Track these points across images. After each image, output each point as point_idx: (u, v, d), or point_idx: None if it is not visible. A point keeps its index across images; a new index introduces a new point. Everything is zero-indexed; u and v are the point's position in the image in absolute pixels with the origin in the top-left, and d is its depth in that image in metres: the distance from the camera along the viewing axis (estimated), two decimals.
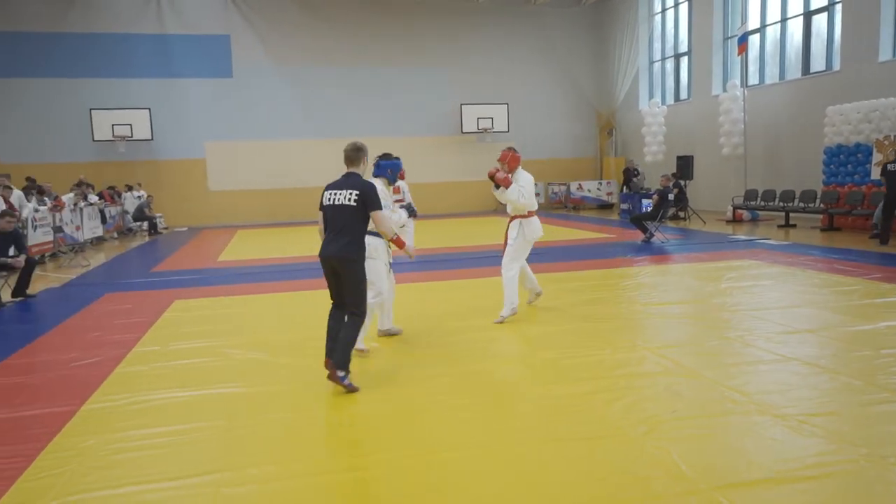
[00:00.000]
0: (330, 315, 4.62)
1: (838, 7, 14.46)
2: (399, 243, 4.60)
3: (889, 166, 10.95)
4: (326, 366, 4.41)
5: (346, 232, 4.41)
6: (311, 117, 22.00)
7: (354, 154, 4.65)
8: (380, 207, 4.50)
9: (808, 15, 15.58)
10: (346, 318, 4.51)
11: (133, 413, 4.22)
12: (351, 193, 4.43)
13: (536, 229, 6.37)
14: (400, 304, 6.25)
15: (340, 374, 4.38)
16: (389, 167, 5.58)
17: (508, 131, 23.02)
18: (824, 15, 15.12)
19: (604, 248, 11.77)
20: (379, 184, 5.22)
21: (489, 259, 9.96)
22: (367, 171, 4.82)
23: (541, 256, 10.76)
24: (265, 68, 21.61)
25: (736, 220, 15.62)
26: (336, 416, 4.13)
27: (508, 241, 6.35)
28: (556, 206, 23.11)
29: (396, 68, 22.54)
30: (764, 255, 10.03)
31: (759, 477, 3.05)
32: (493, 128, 22.78)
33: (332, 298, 4.64)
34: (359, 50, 22.22)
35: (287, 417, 4.07)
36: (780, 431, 3.56)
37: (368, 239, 4.69)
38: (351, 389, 4.40)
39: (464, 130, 22.78)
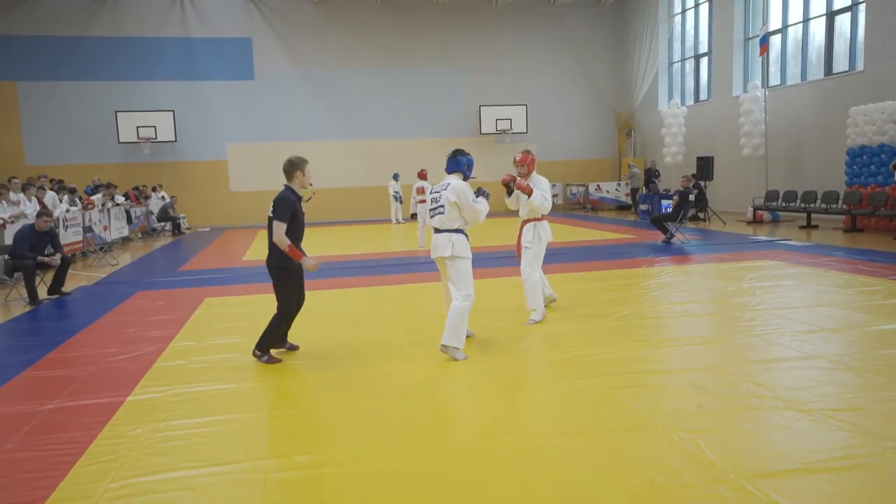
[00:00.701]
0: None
1: (861, 7, 14.40)
2: (294, 254, 5.03)
3: None
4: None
5: (269, 238, 5.12)
6: (331, 119, 22.27)
7: (287, 167, 5.29)
8: (279, 218, 5.01)
9: (830, 15, 15.52)
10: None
11: (176, 404, 4.40)
12: (271, 205, 5.11)
13: (549, 231, 6.47)
14: (425, 303, 6.39)
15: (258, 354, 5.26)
16: (466, 163, 5.35)
17: (527, 132, 23.12)
18: (847, 15, 15.06)
19: (624, 249, 11.83)
20: (454, 179, 5.20)
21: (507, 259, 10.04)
22: (300, 182, 5.31)
23: (561, 256, 10.88)
24: (286, 70, 21.91)
25: (756, 220, 15.59)
26: (370, 408, 4.27)
27: (524, 245, 6.36)
28: (575, 206, 23.16)
29: (416, 69, 22.73)
30: (786, 256, 10.05)
31: (786, 467, 3.15)
32: (511, 129, 22.89)
33: None
34: (378, 51, 22.45)
35: (323, 409, 4.23)
36: (807, 425, 3.65)
37: (461, 238, 5.15)
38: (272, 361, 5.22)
39: (482, 131, 22.91)
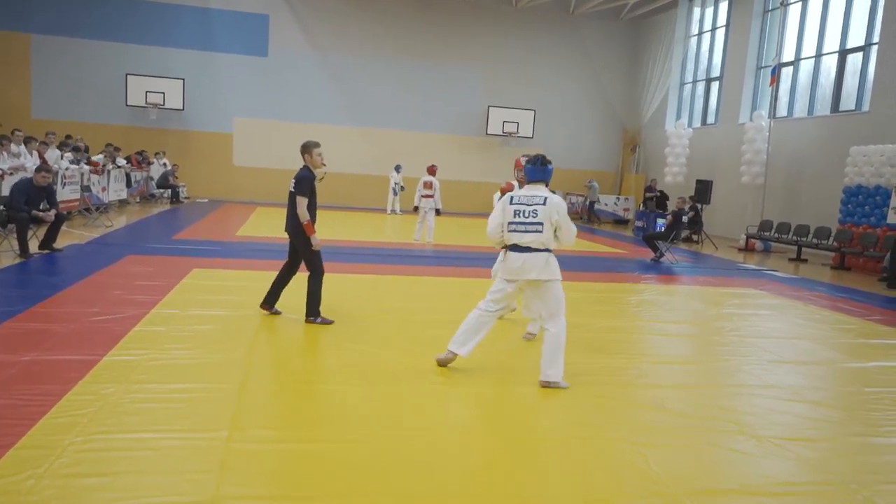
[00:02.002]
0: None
1: (874, 48, 14.52)
2: (308, 229, 5.66)
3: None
4: None
5: (290, 210, 5.82)
6: (341, 104, 22.33)
7: (301, 149, 5.92)
8: (301, 194, 5.65)
9: (843, 53, 15.64)
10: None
11: (151, 368, 4.50)
12: (292, 181, 5.80)
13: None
14: (420, 296, 6.48)
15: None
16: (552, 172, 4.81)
17: (533, 137, 23.21)
18: (859, 55, 15.19)
19: (614, 263, 11.96)
20: (544, 190, 4.65)
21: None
22: (310, 163, 5.83)
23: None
24: (300, 51, 21.95)
25: (748, 248, 15.73)
26: (341, 390, 4.38)
27: None
28: (573, 217, 23.22)
29: (429, 63, 22.80)
30: (770, 286, 10.19)
31: (724, 487, 3.28)
32: (517, 132, 22.98)
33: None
34: (394, 42, 22.51)
35: (294, 386, 4.34)
36: (754, 450, 3.77)
37: (554, 258, 4.68)
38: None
39: (489, 132, 23.00)
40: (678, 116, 22.09)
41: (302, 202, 5.65)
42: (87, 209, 12.88)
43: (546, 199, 4.55)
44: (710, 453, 3.74)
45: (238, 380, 4.39)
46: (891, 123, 13.53)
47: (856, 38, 15.32)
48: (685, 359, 5.84)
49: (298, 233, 5.77)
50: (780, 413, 4.47)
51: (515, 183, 6.09)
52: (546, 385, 4.58)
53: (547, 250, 4.59)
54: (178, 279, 7.55)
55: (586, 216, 22.17)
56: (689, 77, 22.17)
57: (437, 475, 3.23)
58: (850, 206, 13.63)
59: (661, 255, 12.36)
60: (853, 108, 15.20)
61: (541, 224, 4.53)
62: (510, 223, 4.61)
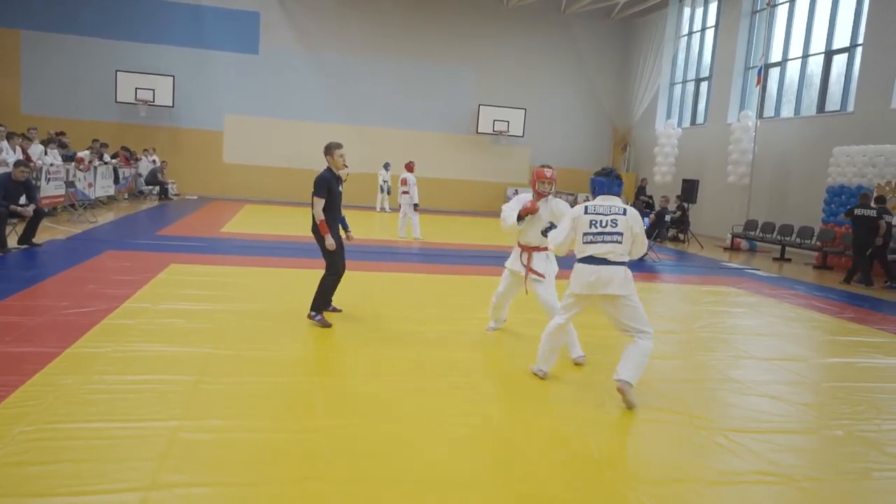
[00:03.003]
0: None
1: (859, 50, 14.59)
2: (322, 228, 5.68)
3: (857, 210, 11.28)
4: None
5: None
6: (331, 102, 22.34)
7: (324, 150, 5.97)
8: (316, 194, 5.69)
9: (829, 54, 15.71)
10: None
11: (113, 361, 4.54)
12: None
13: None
14: (394, 292, 6.52)
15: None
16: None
17: (523, 136, 23.27)
18: (844, 56, 15.25)
19: None
20: (619, 202, 4.47)
21: (487, 259, 10.21)
22: (332, 164, 5.87)
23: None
24: (291, 49, 21.95)
25: (734, 248, 15.79)
26: (301, 382, 4.42)
27: (543, 276, 5.46)
28: None
29: (419, 61, 22.82)
30: (749, 285, 10.24)
31: (668, 477, 3.32)
32: (508, 131, 23.02)
33: None
34: (383, 40, 22.52)
35: (254, 380, 4.38)
36: (704, 441, 3.82)
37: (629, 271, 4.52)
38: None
39: (479, 131, 23.03)
40: (668, 116, 22.15)
41: (318, 202, 5.66)
42: (72, 205, 12.89)
43: (625, 209, 4.39)
44: (660, 443, 3.78)
45: (198, 371, 4.43)
46: (874, 124, 13.60)
47: (841, 39, 15.39)
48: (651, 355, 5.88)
49: (315, 232, 5.82)
50: (734, 407, 4.53)
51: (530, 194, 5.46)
52: (623, 389, 4.26)
53: (623, 263, 4.38)
54: (154, 274, 7.58)
55: None
56: (678, 77, 22.22)
57: (389, 464, 3.27)
58: (832, 205, 13.70)
59: (645, 253, 12.40)
60: (838, 108, 15.27)
61: (620, 234, 4.33)
62: (585, 233, 4.36)
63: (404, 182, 13.39)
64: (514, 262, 5.64)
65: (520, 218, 5.30)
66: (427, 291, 8.09)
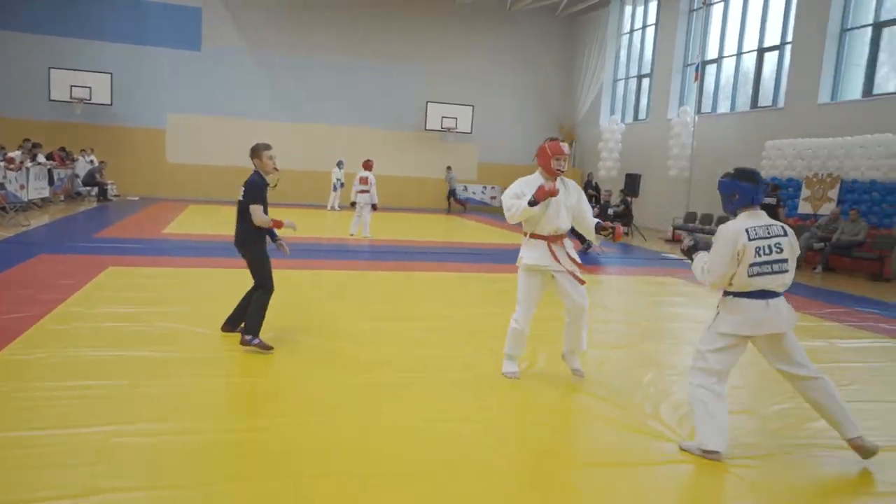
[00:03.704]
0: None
1: (788, 47, 15.22)
2: (277, 224, 5.09)
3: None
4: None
5: (238, 220, 5.18)
6: (277, 100, 22.03)
7: (250, 152, 5.30)
8: (255, 202, 4.94)
9: (761, 52, 16.35)
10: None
11: (44, 367, 4.41)
12: (242, 188, 5.13)
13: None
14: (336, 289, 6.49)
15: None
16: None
17: (471, 133, 23.42)
18: (775, 53, 15.90)
19: None
20: (767, 218, 3.65)
21: (440, 255, 10.26)
22: (261, 168, 5.18)
23: (481, 257, 11.20)
24: (235, 46, 21.55)
25: (675, 240, 16.28)
26: (240, 383, 4.39)
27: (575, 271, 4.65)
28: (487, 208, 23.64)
29: (367, 59, 22.71)
30: (689, 275, 10.58)
31: (607, 461, 3.45)
32: (456, 128, 23.14)
33: None
34: (332, 38, 22.33)
35: (188, 382, 4.32)
36: (640, 426, 3.97)
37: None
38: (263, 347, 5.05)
39: (427, 128, 23.08)
40: (612, 112, 22.66)
41: (256, 210, 5.01)
42: (3, 208, 12.38)
43: (785, 229, 3.59)
44: (598, 431, 3.92)
45: (134, 375, 4.35)
46: (802, 119, 14.23)
47: (772, 37, 16.04)
48: (597, 346, 6.04)
49: (248, 245, 5.15)
50: (672, 393, 4.70)
51: (542, 179, 4.56)
52: (865, 450, 3.58)
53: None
54: (91, 277, 7.37)
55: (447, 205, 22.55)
56: (621, 74, 22.75)
57: (323, 461, 3.29)
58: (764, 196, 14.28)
59: (589, 245, 12.69)
60: (771, 104, 15.91)
61: (787, 262, 3.54)
62: (752, 264, 3.47)
63: (365, 181, 13.28)
64: (542, 258, 4.51)
65: (533, 203, 4.36)
66: (377, 289, 8.10)
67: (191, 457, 3.25)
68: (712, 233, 14.67)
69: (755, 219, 3.57)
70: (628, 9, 22.07)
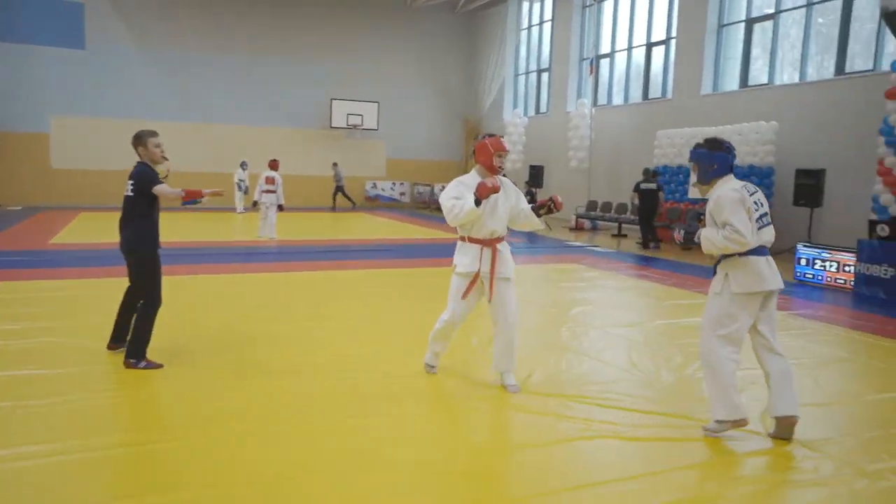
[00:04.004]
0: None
1: (673, 42, 16.12)
2: (193, 194, 4.65)
3: (641, 185, 13.23)
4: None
5: (125, 221, 4.66)
6: (173, 99, 21.10)
7: (132, 142, 4.74)
8: (152, 185, 4.50)
9: (649, 46, 17.21)
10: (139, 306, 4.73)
11: None
12: (129, 182, 4.62)
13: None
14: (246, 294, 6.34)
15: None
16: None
17: (378, 129, 23.36)
18: (662, 47, 16.79)
19: (451, 248, 12.37)
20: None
21: (348, 253, 10.18)
22: (147, 157, 4.69)
23: (392, 253, 11.22)
24: (123, 43, 20.45)
25: (578, 228, 16.94)
26: (126, 397, 4.22)
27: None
28: (421, 206, 23.74)
29: (268, 56, 22.14)
30: (590, 261, 11.07)
31: (511, 444, 3.57)
32: (362, 125, 23.00)
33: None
34: (229, 34, 21.63)
35: (76, 399, 4.09)
36: (543, 409, 4.13)
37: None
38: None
39: (333, 125, 22.81)
40: (514, 106, 23.20)
41: (162, 188, 4.52)
42: None
43: (753, 185, 3.75)
44: (500, 417, 4.05)
45: (19, 395, 4.08)
46: (688, 109, 15.13)
47: (659, 32, 16.92)
48: (465, 330, 6.21)
49: (138, 251, 4.65)
50: (573, 374, 4.91)
51: (479, 176, 4.33)
52: (787, 429, 3.70)
53: None
54: None
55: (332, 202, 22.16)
56: (522, 68, 23.32)
57: (219, 472, 3.24)
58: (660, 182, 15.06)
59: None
60: (660, 95, 16.79)
61: (768, 214, 3.74)
62: (758, 219, 3.63)
63: (271, 181, 12.98)
64: (474, 263, 4.34)
65: (478, 202, 4.13)
66: (284, 291, 7.95)
67: (79, 477, 3.11)
68: (614, 220, 15.22)
69: (735, 182, 3.71)
70: (526, 4, 22.64)
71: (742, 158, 12.99)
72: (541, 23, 22.03)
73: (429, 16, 24.20)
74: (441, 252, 11.77)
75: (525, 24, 22.89)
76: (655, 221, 13.52)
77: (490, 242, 4.33)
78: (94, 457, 3.30)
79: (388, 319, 6.50)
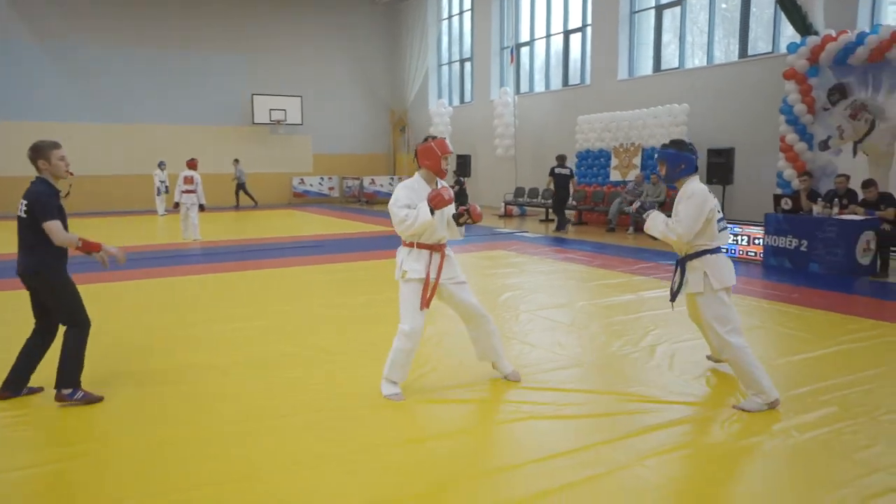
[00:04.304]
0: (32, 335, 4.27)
1: (589, 29, 16.53)
2: (90, 247, 4.06)
3: (556, 169, 13.59)
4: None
5: (21, 242, 4.09)
6: (82, 100, 20.04)
7: (30, 155, 4.08)
8: (47, 217, 3.91)
9: (566, 33, 17.59)
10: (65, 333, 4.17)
11: None
12: (22, 202, 4.03)
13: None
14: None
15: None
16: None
17: (302, 124, 22.96)
18: (579, 34, 17.19)
19: (384, 241, 12.35)
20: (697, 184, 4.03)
21: (277, 251, 9.98)
22: (49, 172, 4.06)
23: (322, 249, 11.08)
24: (20, 38, 19.22)
25: (507, 214, 17.21)
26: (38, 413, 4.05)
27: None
28: (350, 200, 23.53)
29: (184, 52, 21.35)
30: (519, 247, 11.29)
31: (427, 434, 3.63)
32: (286, 120, 22.54)
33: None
34: (142, 30, 20.71)
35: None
36: (477, 397, 4.21)
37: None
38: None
39: (255, 121, 22.25)
40: (439, 96, 23.25)
41: (55, 228, 3.94)
42: None
43: None
44: (432, 405, 4.10)
45: None
46: (606, 94, 15.58)
47: (575, 20, 17.31)
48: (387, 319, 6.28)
49: (41, 274, 4.06)
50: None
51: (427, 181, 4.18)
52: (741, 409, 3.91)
53: None
54: None
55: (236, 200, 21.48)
56: (445, 58, 23.39)
57: (144, 481, 3.16)
58: (582, 168, 15.51)
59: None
60: (579, 81, 17.21)
61: (724, 219, 4.09)
62: (718, 220, 3.97)
63: (190, 180, 12.60)
64: (426, 269, 4.12)
65: (432, 212, 3.91)
66: (211, 292, 7.74)
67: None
68: (541, 205, 15.52)
69: (700, 183, 4.03)
70: None
71: (658, 140, 13.53)
72: (461, 12, 22.13)
73: (349, 7, 23.91)
74: (373, 245, 11.73)
75: (445, 14, 22.93)
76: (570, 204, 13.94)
77: (439, 248, 4.19)
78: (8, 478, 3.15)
79: (322, 315, 6.45)
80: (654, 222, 4.06)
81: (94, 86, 20.22)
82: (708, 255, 3.96)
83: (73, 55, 19.89)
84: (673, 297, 4.26)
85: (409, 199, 4.03)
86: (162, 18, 21.02)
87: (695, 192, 3.92)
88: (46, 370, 4.21)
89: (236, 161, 21.19)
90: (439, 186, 4.16)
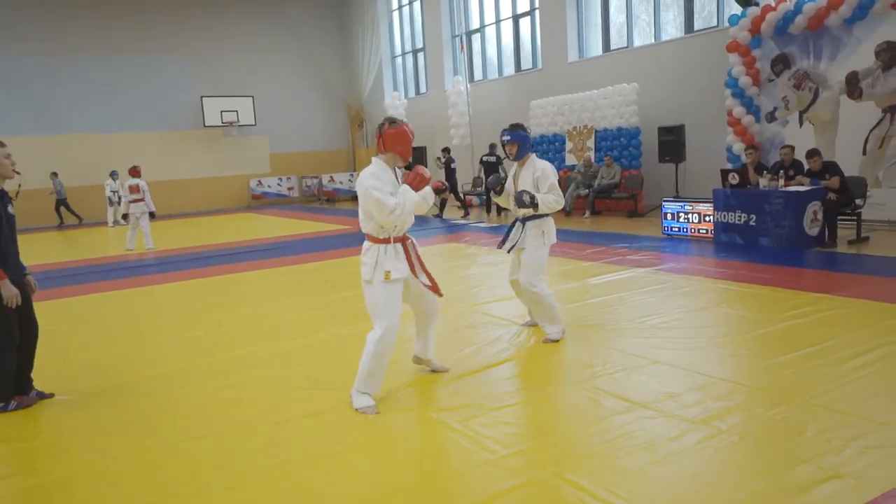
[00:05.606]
0: None
1: (537, 13, 16.35)
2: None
3: (484, 157, 13.59)
4: None
5: None
6: (19, 111, 19.35)
7: None
8: None
9: (515, 18, 17.39)
10: None
11: None
12: None
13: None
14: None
15: None
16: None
17: (256, 124, 22.50)
18: (528, 19, 17.01)
19: (343, 240, 12.07)
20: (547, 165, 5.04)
21: (234, 256, 9.68)
22: None
23: (280, 251, 10.82)
24: None
25: (466, 205, 16.98)
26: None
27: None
28: (311, 199, 23.17)
29: (129, 58, 20.74)
30: (473, 238, 11.11)
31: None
32: (238, 121, 22.05)
33: None
34: (78, 36, 20.03)
35: None
36: (434, 393, 4.02)
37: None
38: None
39: (207, 124, 21.73)
40: (394, 88, 22.94)
41: None
42: None
43: None
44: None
45: None
46: (558, 78, 15.44)
47: (523, 4, 17.11)
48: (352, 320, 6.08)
49: None
50: (458, 353, 4.83)
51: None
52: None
53: None
54: None
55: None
56: (398, 50, 23.06)
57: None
58: (538, 153, 15.31)
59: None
60: (531, 66, 17.05)
61: None
62: None
63: (135, 189, 12.31)
64: (406, 267, 3.97)
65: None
66: (168, 302, 7.43)
67: None
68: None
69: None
70: None
71: (610, 121, 13.44)
72: (410, 3, 21.80)
73: (296, 4, 23.40)
74: (335, 244, 11.46)
75: (395, 5, 22.58)
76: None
77: (405, 240, 3.98)
78: None
79: (286, 319, 6.22)
80: (548, 203, 4.86)
81: (30, 96, 19.52)
82: (546, 218, 5.01)
83: (7, 65, 19.17)
84: (508, 248, 5.20)
85: (381, 185, 3.75)
86: (99, 25, 20.36)
87: (550, 168, 4.96)
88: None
89: (54, 174, 18.74)
90: (399, 173, 3.96)
